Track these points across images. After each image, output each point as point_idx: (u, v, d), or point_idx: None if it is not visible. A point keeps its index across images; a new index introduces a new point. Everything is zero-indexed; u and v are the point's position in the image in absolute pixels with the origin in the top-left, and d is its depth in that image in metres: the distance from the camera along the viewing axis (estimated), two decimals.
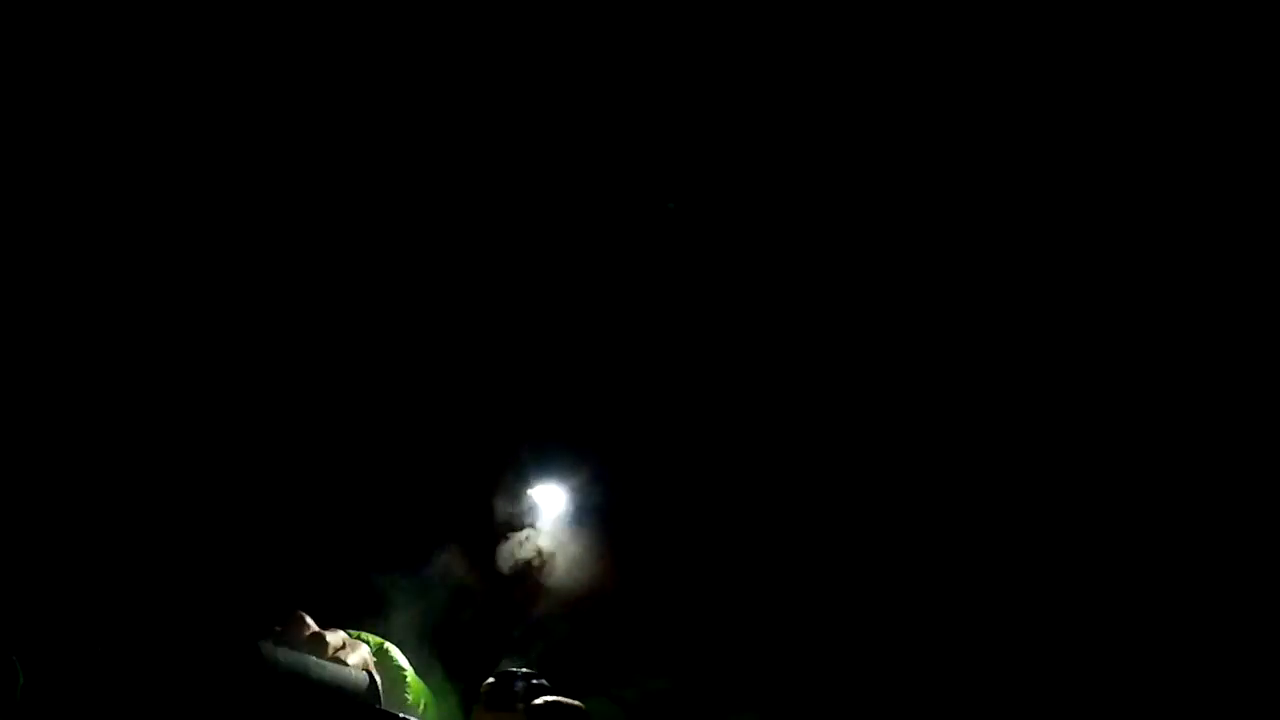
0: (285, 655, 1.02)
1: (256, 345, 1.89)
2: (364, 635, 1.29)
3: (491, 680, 1.36)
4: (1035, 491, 1.78)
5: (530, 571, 1.61)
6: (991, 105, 1.84)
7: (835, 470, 1.83)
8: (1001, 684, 1.68)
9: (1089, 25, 1.77)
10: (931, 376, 1.85)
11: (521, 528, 1.62)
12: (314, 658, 1.06)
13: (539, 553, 1.62)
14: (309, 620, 1.14)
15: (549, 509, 1.63)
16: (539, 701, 1.31)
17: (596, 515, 1.64)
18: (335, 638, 1.13)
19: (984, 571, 1.75)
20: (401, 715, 1.18)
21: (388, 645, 1.31)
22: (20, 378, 1.76)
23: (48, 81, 1.83)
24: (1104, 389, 1.78)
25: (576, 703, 1.31)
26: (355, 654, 1.15)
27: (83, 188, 1.86)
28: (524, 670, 1.37)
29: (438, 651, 1.45)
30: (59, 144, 1.84)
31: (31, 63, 1.79)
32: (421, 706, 1.32)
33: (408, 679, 1.30)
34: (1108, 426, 1.76)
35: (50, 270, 1.84)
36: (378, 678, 1.15)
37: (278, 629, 1.11)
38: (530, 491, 1.63)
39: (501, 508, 1.62)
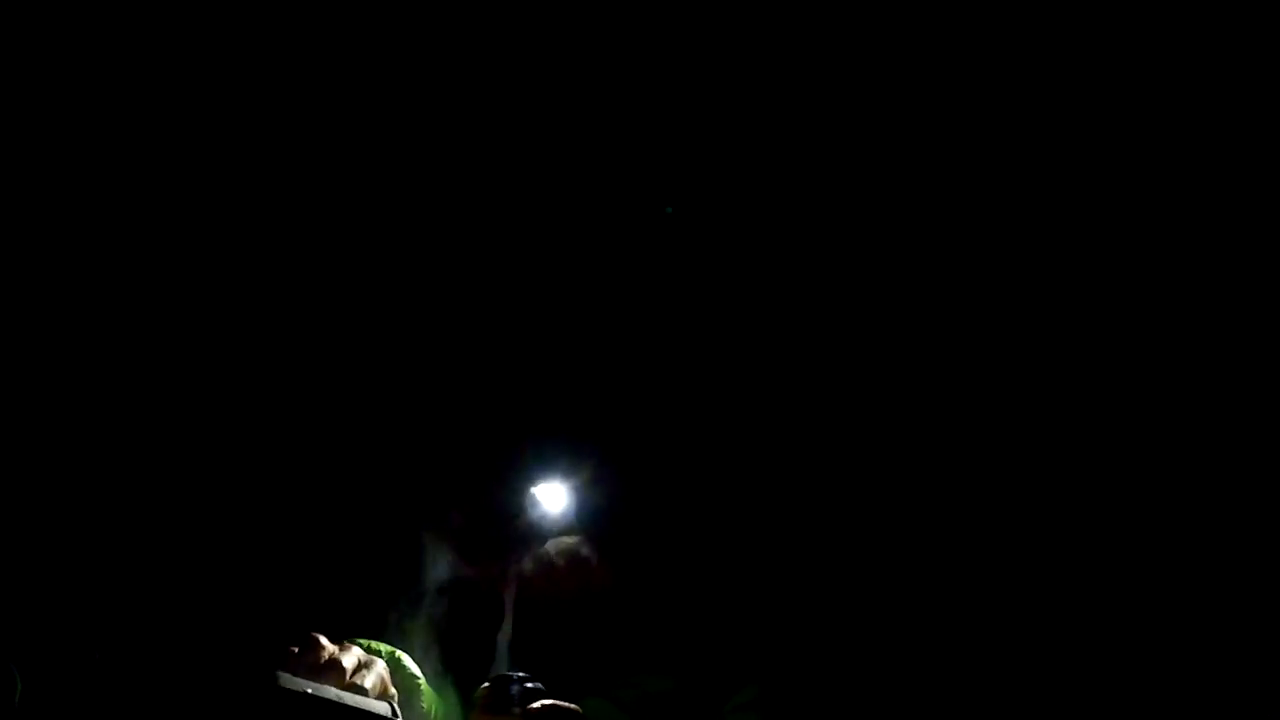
0: (303, 686, 1.00)
1: (254, 346, 1.85)
2: (375, 645, 1.28)
3: (487, 684, 1.35)
4: (1036, 491, 1.79)
5: (529, 572, 1.59)
6: (994, 105, 1.85)
7: (838, 469, 1.83)
8: (1003, 685, 1.69)
9: (1090, 25, 1.78)
10: (934, 378, 1.85)
11: (520, 528, 1.60)
12: (333, 689, 1.04)
13: (538, 554, 1.60)
14: (324, 641, 1.11)
15: (547, 510, 1.61)
16: (535, 705, 1.30)
17: (595, 516, 1.62)
18: (350, 659, 1.11)
19: (985, 571, 1.77)
20: None
21: (400, 655, 1.29)
22: (20, 380, 1.70)
23: (47, 81, 1.78)
24: (1107, 390, 1.80)
25: (573, 706, 1.30)
26: (371, 675, 1.12)
27: (81, 187, 1.80)
28: (520, 674, 1.36)
29: (439, 655, 1.43)
30: (59, 143, 1.78)
31: (30, 62, 1.73)
32: (432, 714, 1.31)
33: (422, 688, 1.29)
34: (1110, 427, 1.78)
35: (50, 270, 1.78)
36: (396, 702, 1.13)
37: (294, 650, 1.09)
38: (529, 492, 1.61)
39: (500, 509, 1.60)
